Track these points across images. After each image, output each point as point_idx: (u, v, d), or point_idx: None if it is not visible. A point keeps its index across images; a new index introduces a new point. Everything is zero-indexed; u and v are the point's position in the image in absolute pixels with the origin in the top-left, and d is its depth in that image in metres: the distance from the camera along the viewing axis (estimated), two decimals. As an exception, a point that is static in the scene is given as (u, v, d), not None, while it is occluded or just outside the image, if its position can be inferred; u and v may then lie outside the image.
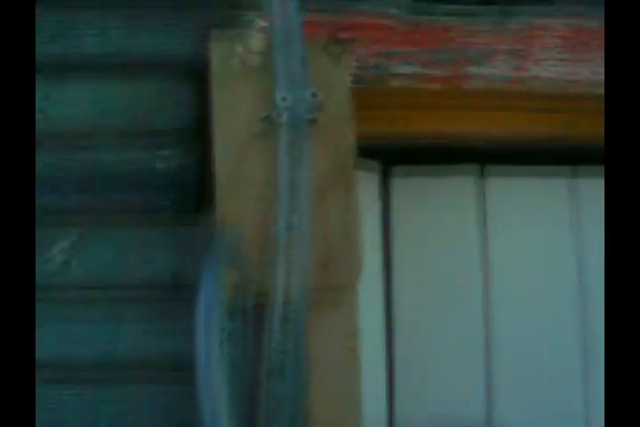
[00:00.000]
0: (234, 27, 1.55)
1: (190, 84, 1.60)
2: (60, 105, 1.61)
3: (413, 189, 1.80)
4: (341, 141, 1.49)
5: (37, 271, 1.56)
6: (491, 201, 1.82)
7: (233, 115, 1.48)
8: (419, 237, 1.81)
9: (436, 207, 1.81)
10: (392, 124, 1.70)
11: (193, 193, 1.59)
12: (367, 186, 1.72)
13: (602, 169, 1.42)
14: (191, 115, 1.60)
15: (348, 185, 1.48)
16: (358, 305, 1.50)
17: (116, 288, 1.60)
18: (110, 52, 1.61)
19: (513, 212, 1.82)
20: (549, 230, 1.83)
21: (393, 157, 1.79)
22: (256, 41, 1.50)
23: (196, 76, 1.57)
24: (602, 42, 1.54)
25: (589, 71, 1.63)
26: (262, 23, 1.53)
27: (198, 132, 1.59)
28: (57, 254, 1.60)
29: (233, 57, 1.50)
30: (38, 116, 1.57)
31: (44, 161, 1.59)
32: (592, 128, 1.60)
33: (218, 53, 1.50)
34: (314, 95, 1.45)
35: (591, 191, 1.78)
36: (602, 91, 1.46)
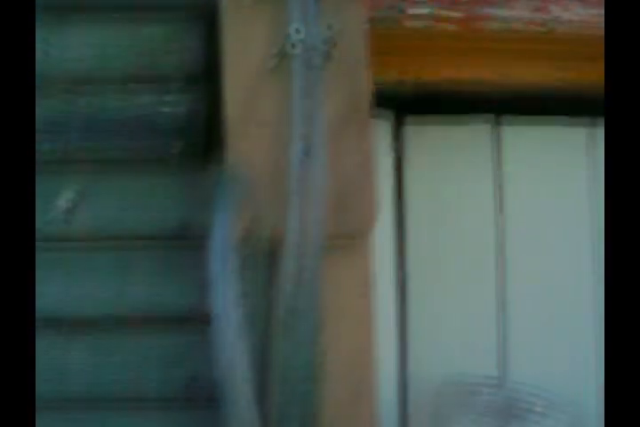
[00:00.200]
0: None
1: (197, 27, 1.54)
2: (62, 49, 1.56)
3: (427, 139, 1.76)
4: (356, 81, 1.43)
5: (42, 223, 1.53)
6: (506, 150, 1.77)
7: (244, 51, 1.43)
8: (432, 187, 1.77)
9: (451, 157, 1.77)
10: (406, 71, 1.66)
11: (201, 139, 1.54)
12: (379, 135, 1.67)
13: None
14: (199, 58, 1.54)
15: (362, 126, 1.43)
16: (373, 251, 1.45)
17: (122, 239, 1.56)
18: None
19: (529, 161, 1.78)
20: (566, 180, 1.78)
21: (406, 106, 1.75)
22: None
23: (203, 17, 1.52)
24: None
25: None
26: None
27: (206, 76, 1.53)
28: (62, 205, 1.55)
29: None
30: (40, 60, 1.53)
31: (45, 107, 1.54)
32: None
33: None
34: (329, 27, 1.39)
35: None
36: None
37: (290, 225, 1.38)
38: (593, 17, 1.58)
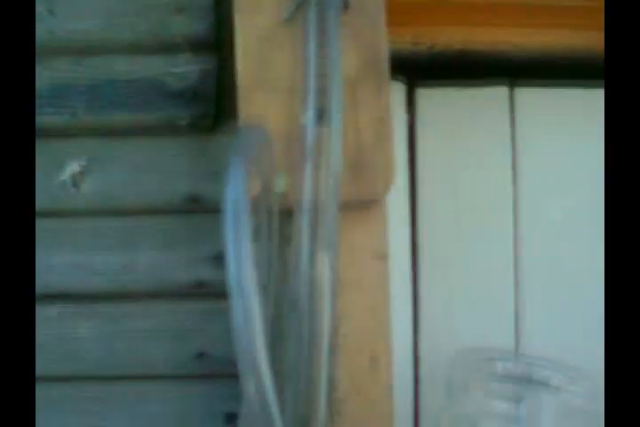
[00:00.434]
0: None
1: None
2: (65, 14, 1.51)
3: (441, 102, 1.72)
4: (375, 32, 1.38)
5: (47, 197, 1.51)
6: (521, 113, 1.73)
7: (256, 6, 1.38)
8: (446, 152, 1.73)
9: (464, 121, 1.73)
10: (419, 33, 1.61)
11: (212, 107, 1.50)
12: (392, 99, 1.63)
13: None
14: (208, 22, 1.50)
15: (381, 80, 1.39)
16: (387, 215, 1.42)
17: (130, 214, 1.53)
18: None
19: (545, 124, 1.74)
20: (582, 144, 1.75)
21: (419, 71, 1.70)
22: None
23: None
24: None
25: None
26: None
27: (216, 41, 1.50)
28: (68, 176, 1.53)
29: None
30: (42, 25, 1.49)
31: (49, 76, 1.51)
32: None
33: None
34: None
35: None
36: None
37: (305, 187, 1.35)
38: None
